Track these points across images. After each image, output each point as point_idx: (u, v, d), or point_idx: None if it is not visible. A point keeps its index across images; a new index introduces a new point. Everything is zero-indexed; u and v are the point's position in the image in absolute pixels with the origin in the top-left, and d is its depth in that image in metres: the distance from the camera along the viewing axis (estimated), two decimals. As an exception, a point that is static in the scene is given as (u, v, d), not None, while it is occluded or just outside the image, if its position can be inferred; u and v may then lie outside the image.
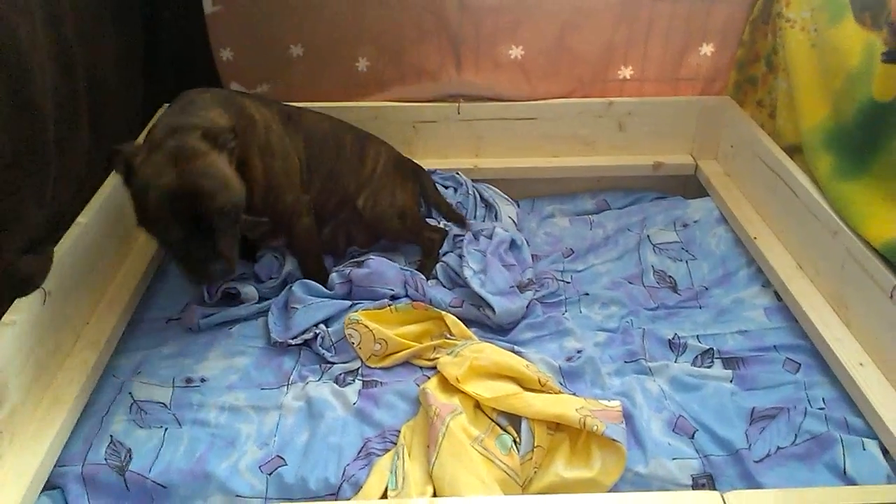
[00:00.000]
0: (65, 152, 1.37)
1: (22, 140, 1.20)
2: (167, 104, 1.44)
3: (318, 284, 1.62)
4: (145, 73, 1.87)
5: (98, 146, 1.56)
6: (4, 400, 1.14)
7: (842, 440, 1.23)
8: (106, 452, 1.25)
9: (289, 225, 1.57)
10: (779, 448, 1.25)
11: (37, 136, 1.25)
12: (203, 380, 1.41)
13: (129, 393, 1.37)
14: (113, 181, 1.60)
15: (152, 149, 1.27)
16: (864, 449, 1.22)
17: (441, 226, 1.85)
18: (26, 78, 1.21)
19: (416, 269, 1.71)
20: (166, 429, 1.31)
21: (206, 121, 1.35)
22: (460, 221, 1.85)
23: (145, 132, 1.42)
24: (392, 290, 1.60)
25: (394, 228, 1.76)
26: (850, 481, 1.19)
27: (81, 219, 1.46)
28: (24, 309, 1.21)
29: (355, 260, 1.68)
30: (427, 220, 1.87)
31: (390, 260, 1.71)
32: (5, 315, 1.19)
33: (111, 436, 1.28)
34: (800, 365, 1.44)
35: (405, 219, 1.77)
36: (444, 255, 1.76)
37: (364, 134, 1.82)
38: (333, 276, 1.64)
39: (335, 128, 1.74)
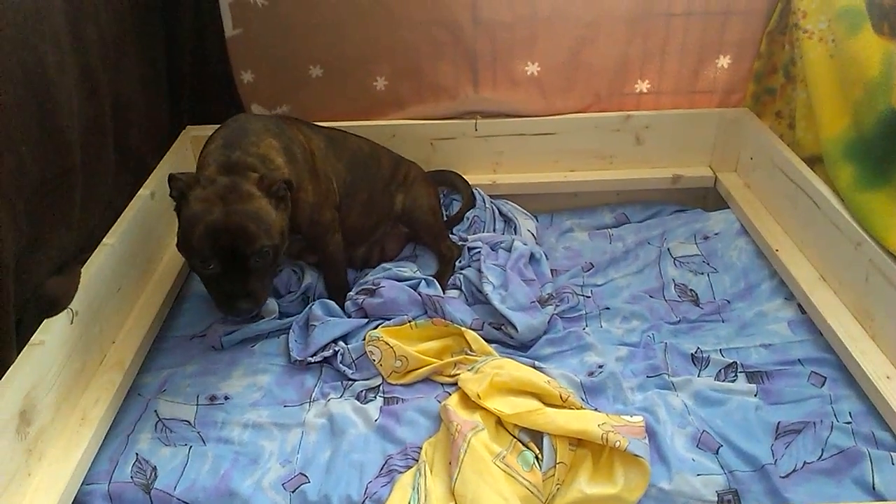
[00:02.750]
0: (91, 175, 1.40)
1: (49, 165, 1.23)
2: (215, 129, 1.47)
3: (337, 306, 1.64)
4: (168, 96, 1.91)
5: (123, 169, 1.59)
6: (34, 419, 1.16)
7: (870, 454, 1.22)
8: (132, 470, 1.26)
9: (324, 241, 1.63)
10: (805, 463, 1.24)
11: (64, 161, 1.28)
12: (227, 397, 1.43)
13: (155, 411, 1.39)
14: (138, 203, 1.63)
15: (206, 183, 1.32)
16: (893, 463, 1.21)
17: (457, 242, 1.88)
18: (53, 104, 1.24)
19: (432, 276, 1.73)
20: (191, 446, 1.32)
21: (259, 158, 1.40)
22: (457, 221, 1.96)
23: (199, 155, 1.48)
24: (407, 315, 1.60)
25: (426, 222, 1.85)
26: (878, 497, 1.18)
27: (108, 240, 1.49)
28: (52, 329, 1.24)
29: (367, 287, 1.66)
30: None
31: (402, 273, 1.72)
32: (34, 335, 1.21)
33: (137, 454, 1.30)
34: (825, 378, 1.42)
35: (436, 217, 1.88)
36: (461, 268, 1.77)
37: (396, 155, 1.91)
38: (348, 304, 1.65)
39: (373, 148, 1.84)
